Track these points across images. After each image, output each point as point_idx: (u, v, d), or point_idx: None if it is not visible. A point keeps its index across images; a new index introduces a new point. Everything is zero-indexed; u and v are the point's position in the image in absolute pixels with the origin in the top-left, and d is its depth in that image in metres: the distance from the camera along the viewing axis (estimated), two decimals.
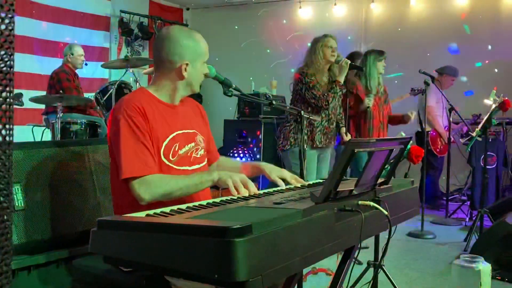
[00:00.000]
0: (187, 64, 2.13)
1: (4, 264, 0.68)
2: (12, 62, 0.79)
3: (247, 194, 1.94)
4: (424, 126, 5.78)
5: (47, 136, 5.74)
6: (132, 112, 2.02)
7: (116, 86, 5.27)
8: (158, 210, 1.60)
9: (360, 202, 1.75)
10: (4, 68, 0.76)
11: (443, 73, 6.42)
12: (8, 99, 0.76)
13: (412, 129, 6.58)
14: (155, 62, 2.22)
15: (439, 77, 6.37)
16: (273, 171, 2.33)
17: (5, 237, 0.67)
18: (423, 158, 5.64)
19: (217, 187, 2.23)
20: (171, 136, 2.12)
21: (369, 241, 3.29)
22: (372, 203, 1.76)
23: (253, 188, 1.98)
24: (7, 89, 0.76)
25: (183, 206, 1.68)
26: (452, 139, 5.87)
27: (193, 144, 2.21)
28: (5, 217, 0.67)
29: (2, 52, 0.75)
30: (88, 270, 2.01)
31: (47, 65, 6.87)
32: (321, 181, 2.57)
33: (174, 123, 2.16)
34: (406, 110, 6.07)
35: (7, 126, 0.75)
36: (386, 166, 2.01)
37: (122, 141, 1.98)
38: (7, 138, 0.75)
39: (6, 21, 0.79)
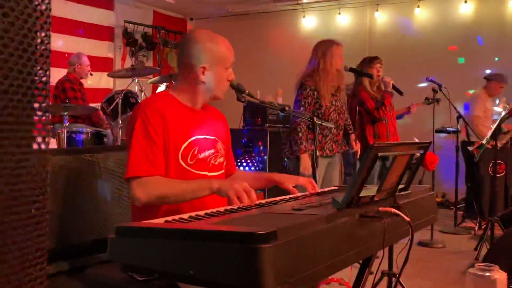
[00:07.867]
0: (204, 68, 2.10)
1: (39, 268, 0.64)
2: (47, 78, 0.78)
3: (250, 204, 1.82)
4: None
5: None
6: (151, 111, 2.01)
7: (122, 95, 5.24)
8: (176, 217, 1.56)
9: (381, 209, 1.71)
10: (41, 84, 0.75)
11: (490, 80, 6.14)
12: (46, 112, 0.77)
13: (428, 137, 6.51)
14: (178, 65, 2.21)
15: (488, 83, 6.12)
16: (287, 181, 2.30)
17: (42, 238, 0.64)
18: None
19: None
20: (190, 140, 2.08)
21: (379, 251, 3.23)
22: (393, 210, 1.72)
23: (254, 198, 1.85)
24: (44, 104, 0.74)
25: (201, 212, 1.64)
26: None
27: (212, 150, 2.17)
28: (41, 217, 0.64)
29: (39, 67, 0.74)
30: (101, 279, 1.96)
31: (51, 75, 6.83)
32: (335, 188, 2.53)
33: (195, 127, 2.13)
34: (416, 117, 6.01)
35: (45, 138, 0.78)
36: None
37: (134, 140, 1.97)
38: (44, 147, 0.78)
39: (43, 34, 0.77)
